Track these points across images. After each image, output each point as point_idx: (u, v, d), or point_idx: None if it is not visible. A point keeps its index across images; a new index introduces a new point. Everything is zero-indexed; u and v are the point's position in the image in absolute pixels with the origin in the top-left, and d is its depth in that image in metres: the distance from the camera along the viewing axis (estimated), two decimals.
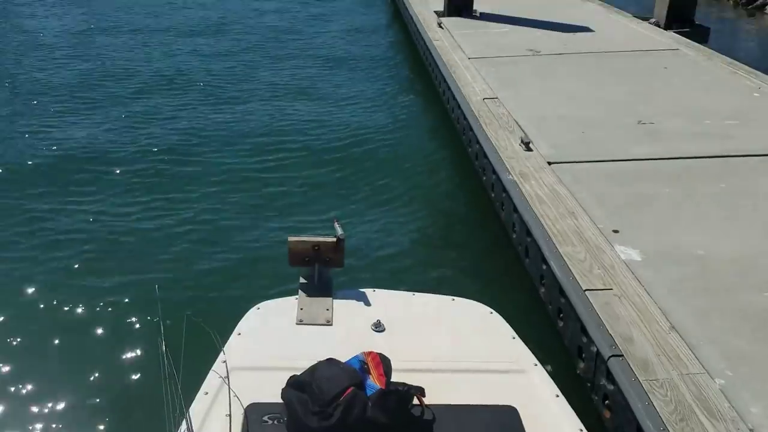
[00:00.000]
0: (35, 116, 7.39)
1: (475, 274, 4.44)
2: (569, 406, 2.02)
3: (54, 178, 5.89)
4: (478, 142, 5.42)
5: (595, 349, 3.01)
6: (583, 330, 3.16)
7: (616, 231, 3.80)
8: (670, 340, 2.93)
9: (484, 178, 5.24)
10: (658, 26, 8.96)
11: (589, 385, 3.10)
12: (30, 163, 6.20)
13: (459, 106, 6.28)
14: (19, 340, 3.87)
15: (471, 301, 2.53)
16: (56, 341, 3.85)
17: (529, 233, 4.00)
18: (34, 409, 3.37)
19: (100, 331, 3.94)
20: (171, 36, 11.23)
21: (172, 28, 11.82)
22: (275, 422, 1.79)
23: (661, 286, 3.30)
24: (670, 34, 8.53)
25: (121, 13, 12.88)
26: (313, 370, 1.82)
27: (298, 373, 1.85)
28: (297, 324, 2.33)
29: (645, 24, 9.06)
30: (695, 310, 3.12)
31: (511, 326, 2.39)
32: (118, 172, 6.02)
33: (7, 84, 8.49)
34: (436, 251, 4.80)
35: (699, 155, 4.77)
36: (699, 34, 8.76)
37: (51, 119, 7.31)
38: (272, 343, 2.25)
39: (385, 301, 2.48)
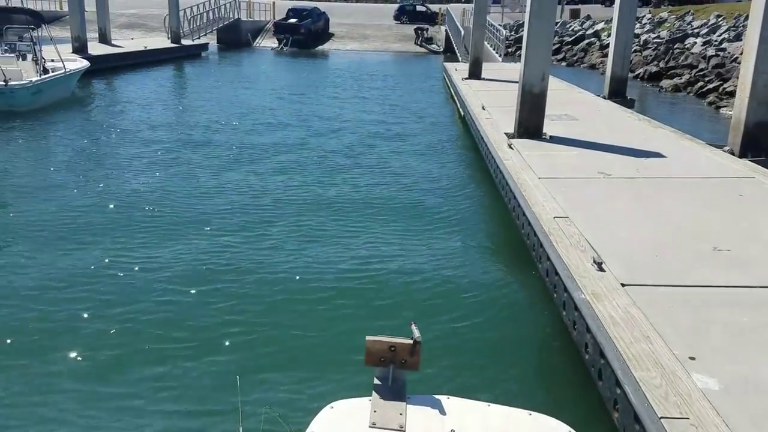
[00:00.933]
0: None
1: (546, 390, 4.39)
2: None
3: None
4: (548, 259, 5.49)
5: None
6: None
7: (692, 358, 3.73)
8: None
9: (555, 295, 5.27)
10: (733, 154, 8.99)
11: None
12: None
13: (529, 223, 6.42)
14: (96, 418, 4.09)
15: (549, 417, 2.45)
16: (135, 427, 4.03)
17: (602, 355, 3.97)
18: None
19: (178, 416, 4.12)
20: (265, 147, 12.15)
21: (264, 144, 12.78)
22: None
23: (740, 417, 3.19)
24: (745, 162, 8.53)
25: (211, 133, 14.07)
26: None
27: None
28: (370, 427, 2.32)
29: (718, 151, 9.11)
30: None
31: None
32: (200, 264, 6.44)
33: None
34: (505, 364, 4.83)
35: None
36: None
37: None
38: None
39: (459, 410, 2.44)
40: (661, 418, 3.21)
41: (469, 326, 5.34)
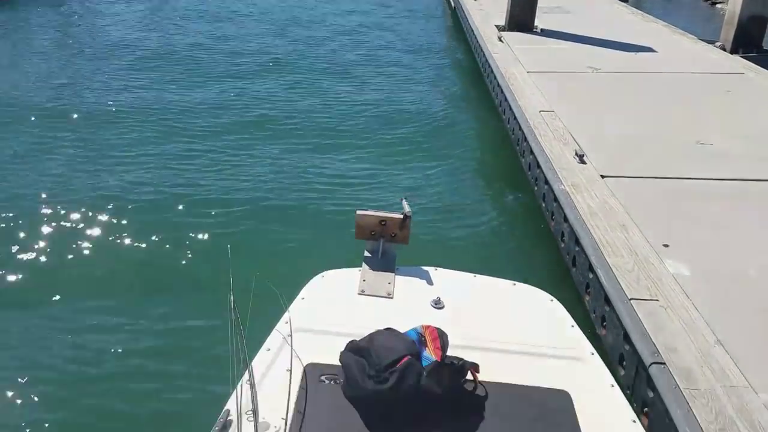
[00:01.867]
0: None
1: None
2: (624, 398, 1.99)
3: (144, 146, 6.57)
4: (532, 152, 5.48)
5: (637, 357, 3.05)
6: (626, 338, 3.20)
7: (666, 245, 3.82)
8: (715, 353, 2.95)
9: (536, 188, 5.31)
10: (724, 50, 8.82)
11: (628, 392, 3.14)
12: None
13: (515, 117, 6.35)
14: (88, 286, 4.28)
15: (532, 287, 2.51)
16: (129, 291, 4.22)
17: (577, 242, 4.06)
18: (105, 349, 3.71)
19: (168, 282, 4.33)
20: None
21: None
22: (332, 382, 1.90)
23: (709, 301, 3.32)
24: (736, 58, 8.40)
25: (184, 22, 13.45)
26: (371, 337, 1.90)
27: (357, 339, 1.94)
28: (359, 294, 2.39)
29: (710, 47, 8.93)
30: (744, 327, 3.13)
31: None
32: (199, 148, 6.53)
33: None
34: (484, 249, 4.96)
35: (757, 178, 4.73)
36: (766, 60, 8.58)
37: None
38: (333, 310, 2.32)
39: (446, 280, 2.50)
40: (631, 299, 3.33)
41: (452, 213, 5.44)
